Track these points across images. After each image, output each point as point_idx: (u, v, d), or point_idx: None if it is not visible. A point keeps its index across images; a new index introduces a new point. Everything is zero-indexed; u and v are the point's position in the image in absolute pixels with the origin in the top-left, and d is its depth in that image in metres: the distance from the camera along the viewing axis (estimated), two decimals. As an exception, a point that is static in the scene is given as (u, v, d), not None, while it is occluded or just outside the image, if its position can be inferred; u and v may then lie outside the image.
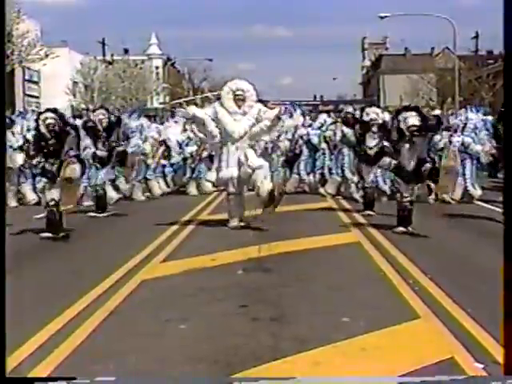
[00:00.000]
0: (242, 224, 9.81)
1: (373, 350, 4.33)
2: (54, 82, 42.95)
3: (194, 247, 8.34)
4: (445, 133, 12.10)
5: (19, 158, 12.53)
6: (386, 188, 11.17)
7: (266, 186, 9.58)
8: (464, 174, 12.42)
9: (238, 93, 9.76)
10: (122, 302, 5.60)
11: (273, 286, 6.21)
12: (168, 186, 15.76)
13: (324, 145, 14.41)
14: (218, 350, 4.32)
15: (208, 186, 14.99)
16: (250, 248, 8.04)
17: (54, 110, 9.66)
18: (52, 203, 9.11)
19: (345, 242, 8.63)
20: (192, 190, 15.35)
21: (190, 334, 4.73)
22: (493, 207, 11.18)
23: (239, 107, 9.74)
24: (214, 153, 11.04)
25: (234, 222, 9.82)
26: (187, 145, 15.31)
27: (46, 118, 9.28)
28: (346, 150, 13.01)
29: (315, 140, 14.45)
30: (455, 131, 12.49)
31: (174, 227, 9.81)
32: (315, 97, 72.17)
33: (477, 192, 12.65)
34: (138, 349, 4.41)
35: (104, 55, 52.44)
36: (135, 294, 5.94)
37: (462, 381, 3.82)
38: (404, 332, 4.71)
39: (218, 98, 10.62)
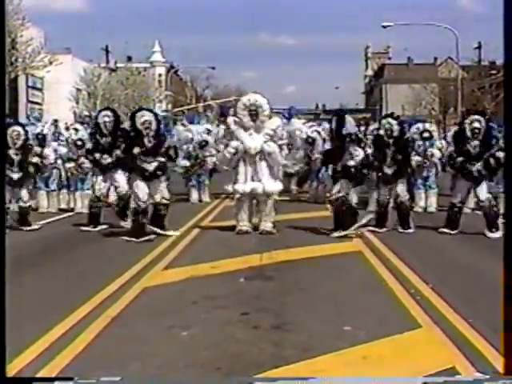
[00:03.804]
0: (250, 230, 10.02)
1: (374, 358, 4.34)
2: (58, 88, 43.12)
3: (195, 255, 8.35)
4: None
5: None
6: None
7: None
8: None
9: (251, 108, 10.06)
10: (124, 309, 5.60)
11: (274, 294, 6.22)
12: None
13: None
14: (220, 358, 4.33)
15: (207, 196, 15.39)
16: (252, 256, 8.05)
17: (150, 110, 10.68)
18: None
19: (346, 250, 8.64)
20: (194, 197, 15.39)
21: (191, 341, 4.73)
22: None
23: (254, 121, 10.07)
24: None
25: (240, 228, 10.01)
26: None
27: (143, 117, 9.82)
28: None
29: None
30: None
31: (175, 235, 9.83)
32: (317, 105, 72.29)
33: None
34: (140, 355, 4.41)
35: (107, 62, 52.58)
36: (137, 300, 5.94)
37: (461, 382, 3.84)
38: (405, 341, 4.72)
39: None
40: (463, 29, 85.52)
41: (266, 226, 10.02)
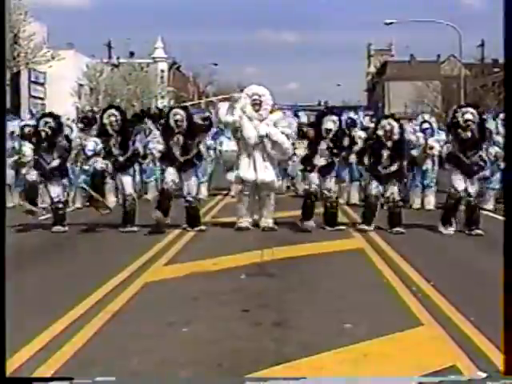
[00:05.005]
0: (250, 226, 10.02)
1: (375, 356, 4.33)
2: (60, 83, 43.10)
3: (196, 251, 8.35)
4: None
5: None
6: None
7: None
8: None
9: (254, 97, 10.12)
10: (124, 305, 5.60)
11: (275, 290, 6.21)
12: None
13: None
14: (221, 354, 4.33)
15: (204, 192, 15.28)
16: (253, 252, 8.05)
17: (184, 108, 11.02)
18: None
19: (348, 248, 8.63)
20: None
21: (192, 338, 4.73)
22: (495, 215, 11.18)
23: (256, 111, 10.10)
24: None
25: (243, 223, 10.01)
26: None
27: (176, 114, 10.06)
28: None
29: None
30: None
31: (177, 231, 9.83)
32: (319, 102, 72.20)
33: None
34: (140, 351, 4.41)
35: (110, 58, 52.65)
36: (138, 296, 5.94)
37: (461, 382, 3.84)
38: (406, 339, 4.71)
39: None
40: (466, 26, 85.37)
41: (268, 222, 10.04)
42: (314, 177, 10.15)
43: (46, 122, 10.21)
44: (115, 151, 10.10)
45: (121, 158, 10.11)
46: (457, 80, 41.99)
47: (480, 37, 53.71)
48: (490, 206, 12.35)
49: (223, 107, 10.44)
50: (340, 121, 10.49)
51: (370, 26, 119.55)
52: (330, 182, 10.19)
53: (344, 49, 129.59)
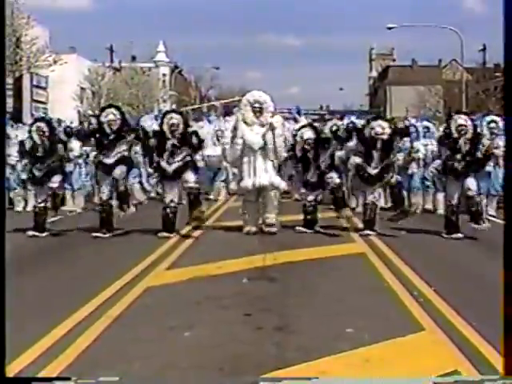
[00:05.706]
0: (256, 230, 10.02)
1: (376, 361, 4.33)
2: (62, 88, 43.13)
3: (198, 255, 8.35)
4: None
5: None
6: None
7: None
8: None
9: (255, 105, 10.08)
10: (126, 309, 5.60)
11: (277, 295, 6.21)
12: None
13: None
14: (222, 358, 4.33)
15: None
16: (255, 257, 8.05)
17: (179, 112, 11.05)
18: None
19: (350, 252, 8.63)
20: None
21: (194, 342, 4.73)
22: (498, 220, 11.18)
23: (257, 118, 10.07)
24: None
25: (249, 228, 10.02)
26: None
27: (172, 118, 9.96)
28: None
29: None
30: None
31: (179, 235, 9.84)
32: (321, 107, 72.20)
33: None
34: (142, 356, 4.41)
35: (112, 62, 52.69)
36: (140, 300, 5.94)
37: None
38: (408, 344, 4.71)
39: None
40: (468, 31, 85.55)
41: (270, 216, 10.05)
42: (311, 197, 10.23)
43: (39, 127, 10.18)
44: (107, 155, 9.96)
45: (109, 161, 9.91)
46: (458, 84, 42.03)
47: (482, 41, 53.80)
48: None
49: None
50: (315, 128, 10.47)
51: (372, 31, 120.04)
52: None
53: (346, 53, 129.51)
